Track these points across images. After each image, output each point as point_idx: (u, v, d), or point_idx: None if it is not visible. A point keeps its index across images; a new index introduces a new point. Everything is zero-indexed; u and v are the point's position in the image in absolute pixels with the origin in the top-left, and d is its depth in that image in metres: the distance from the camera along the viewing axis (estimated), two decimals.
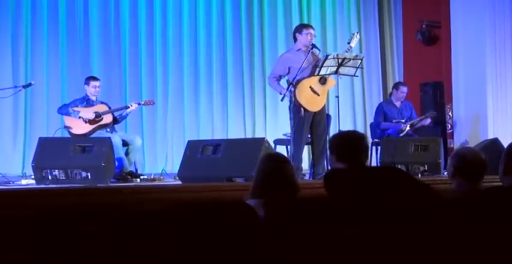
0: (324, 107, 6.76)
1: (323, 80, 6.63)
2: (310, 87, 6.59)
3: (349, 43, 6.80)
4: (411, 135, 8.12)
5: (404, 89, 8.42)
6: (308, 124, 6.64)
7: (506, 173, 3.53)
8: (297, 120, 6.52)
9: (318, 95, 6.62)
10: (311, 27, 6.83)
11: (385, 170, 4.31)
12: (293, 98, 6.51)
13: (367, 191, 3.01)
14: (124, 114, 7.41)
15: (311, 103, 6.60)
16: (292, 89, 6.48)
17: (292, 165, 3.40)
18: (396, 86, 8.59)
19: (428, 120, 8.31)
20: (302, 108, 6.53)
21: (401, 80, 10.28)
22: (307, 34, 6.65)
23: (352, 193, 3.07)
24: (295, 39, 6.81)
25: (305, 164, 7.32)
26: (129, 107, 7.37)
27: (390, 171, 3.73)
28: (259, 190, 3.27)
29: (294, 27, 7.31)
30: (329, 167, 7.27)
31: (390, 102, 8.44)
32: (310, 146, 7.03)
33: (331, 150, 3.26)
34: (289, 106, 6.59)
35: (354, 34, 6.94)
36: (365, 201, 2.91)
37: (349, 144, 3.24)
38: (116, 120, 7.37)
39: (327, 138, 6.53)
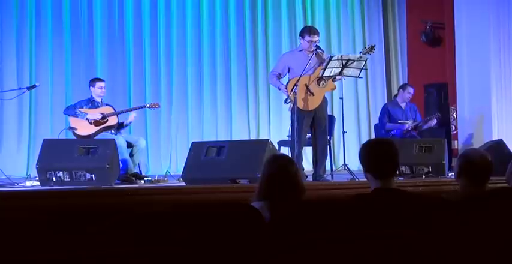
0: (323, 107, 6.66)
1: (322, 82, 6.59)
2: (306, 85, 6.54)
3: (361, 53, 6.76)
4: (415, 136, 8.10)
5: (411, 90, 8.42)
6: (307, 124, 6.60)
7: None
8: (295, 119, 6.46)
9: (313, 95, 6.54)
10: (315, 33, 6.66)
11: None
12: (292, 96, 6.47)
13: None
14: (128, 122, 7.42)
15: (303, 101, 6.50)
16: (296, 90, 6.45)
17: (297, 166, 3.39)
18: (403, 86, 8.58)
19: (434, 121, 8.28)
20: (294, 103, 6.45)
21: (406, 81, 10.27)
22: (308, 41, 6.62)
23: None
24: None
25: (309, 166, 7.30)
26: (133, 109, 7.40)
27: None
28: (265, 192, 3.26)
29: (297, 29, 7.32)
30: (332, 168, 7.34)
31: (396, 104, 8.42)
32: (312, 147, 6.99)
33: (360, 160, 3.24)
34: (291, 107, 6.55)
35: (372, 46, 6.84)
36: (370, 203, 2.91)
37: (374, 154, 3.19)
38: (120, 125, 7.37)
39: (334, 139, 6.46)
